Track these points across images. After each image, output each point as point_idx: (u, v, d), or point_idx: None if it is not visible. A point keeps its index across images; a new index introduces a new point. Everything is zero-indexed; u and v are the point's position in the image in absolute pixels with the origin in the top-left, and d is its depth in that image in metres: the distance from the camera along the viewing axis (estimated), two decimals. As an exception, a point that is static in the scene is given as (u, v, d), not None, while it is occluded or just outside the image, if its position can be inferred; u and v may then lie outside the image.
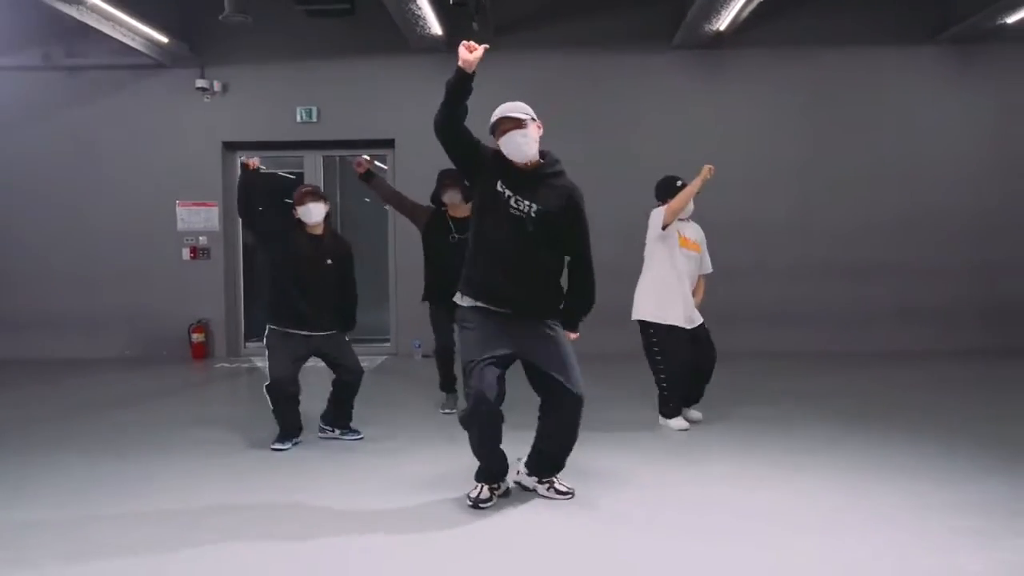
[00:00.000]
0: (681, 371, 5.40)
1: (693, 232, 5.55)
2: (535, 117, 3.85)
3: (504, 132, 3.79)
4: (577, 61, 9.27)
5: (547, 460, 4.07)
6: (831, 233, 9.21)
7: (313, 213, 5.11)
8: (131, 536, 3.60)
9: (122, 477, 4.55)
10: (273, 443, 5.10)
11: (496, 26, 9.07)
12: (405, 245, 8.99)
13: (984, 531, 3.51)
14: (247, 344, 9.91)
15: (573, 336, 4.07)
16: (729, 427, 5.53)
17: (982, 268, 9.20)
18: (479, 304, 3.87)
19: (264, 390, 5.11)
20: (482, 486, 3.96)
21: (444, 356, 6.04)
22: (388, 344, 9.67)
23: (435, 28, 8.50)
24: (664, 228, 5.36)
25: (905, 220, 9.18)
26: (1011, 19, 8.40)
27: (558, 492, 4.04)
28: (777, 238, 9.21)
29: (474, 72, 3.66)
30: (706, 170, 5.25)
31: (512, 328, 3.85)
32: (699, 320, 5.51)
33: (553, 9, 9.26)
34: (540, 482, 4.09)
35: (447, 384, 6.16)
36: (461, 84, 3.67)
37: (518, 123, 3.77)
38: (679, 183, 5.41)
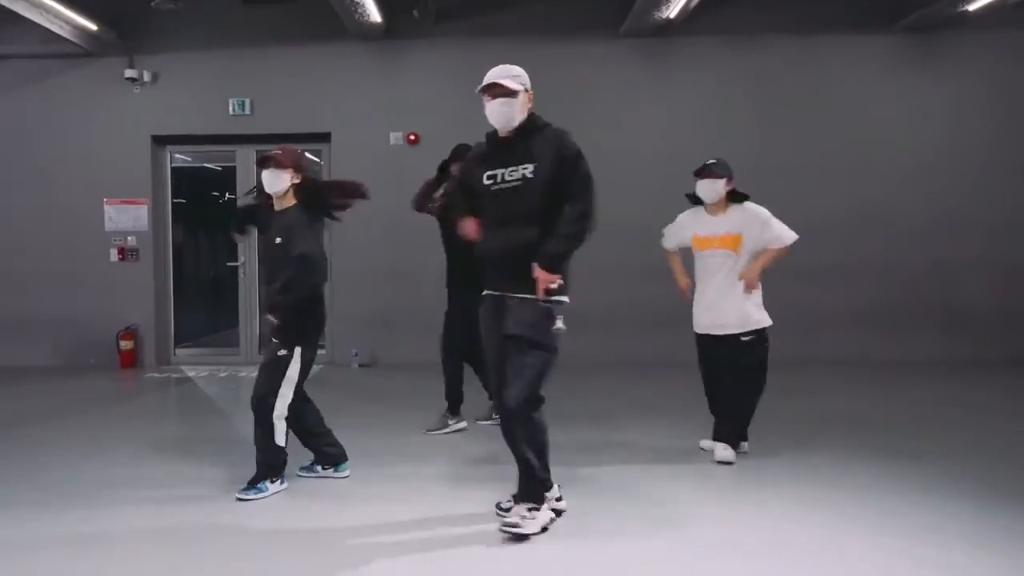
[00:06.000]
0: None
1: (712, 227, 4.96)
2: (528, 87, 3.77)
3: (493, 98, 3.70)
4: (521, 50, 8.56)
5: None
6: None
7: (266, 182, 4.29)
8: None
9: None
10: None
11: (437, 13, 8.78)
12: (340, 247, 8.55)
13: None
14: (177, 351, 9.41)
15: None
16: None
17: (935, 268, 8.78)
18: None
19: None
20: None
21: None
22: (323, 352, 9.13)
23: (374, 15, 8.18)
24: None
25: (857, 216, 8.75)
26: (972, 6, 8.05)
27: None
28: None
29: None
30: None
31: None
32: (732, 327, 4.78)
33: (497, -4, 8.95)
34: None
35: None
36: None
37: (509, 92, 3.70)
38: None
